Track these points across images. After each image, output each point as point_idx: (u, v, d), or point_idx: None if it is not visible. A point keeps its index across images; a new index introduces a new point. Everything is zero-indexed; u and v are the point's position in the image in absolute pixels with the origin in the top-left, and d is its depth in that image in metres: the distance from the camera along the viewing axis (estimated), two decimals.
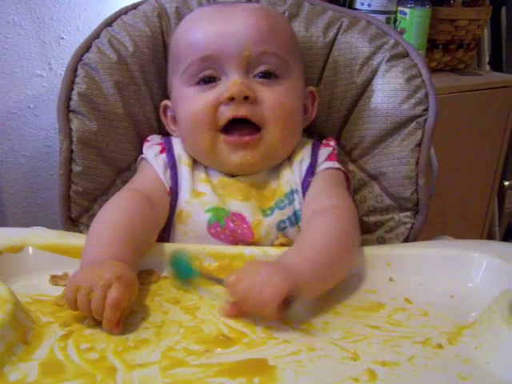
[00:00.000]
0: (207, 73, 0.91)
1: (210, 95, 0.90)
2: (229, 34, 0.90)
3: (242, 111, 0.88)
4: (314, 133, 1.06)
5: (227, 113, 0.89)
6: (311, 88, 1.01)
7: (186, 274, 0.79)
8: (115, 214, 0.84)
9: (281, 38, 0.93)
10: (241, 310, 0.71)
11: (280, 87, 0.91)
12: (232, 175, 0.94)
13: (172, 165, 0.94)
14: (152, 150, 0.97)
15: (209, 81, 0.91)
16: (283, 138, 0.92)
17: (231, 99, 0.88)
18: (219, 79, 0.91)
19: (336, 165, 0.95)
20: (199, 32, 0.92)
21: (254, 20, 0.91)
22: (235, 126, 0.90)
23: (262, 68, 0.91)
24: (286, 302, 0.69)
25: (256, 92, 0.89)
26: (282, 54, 0.92)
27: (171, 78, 0.98)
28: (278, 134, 0.90)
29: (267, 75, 0.91)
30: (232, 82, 0.89)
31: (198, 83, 0.92)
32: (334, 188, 0.92)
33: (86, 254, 0.77)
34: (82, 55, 0.97)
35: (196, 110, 0.91)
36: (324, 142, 1.00)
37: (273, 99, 0.90)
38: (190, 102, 0.92)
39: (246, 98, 0.88)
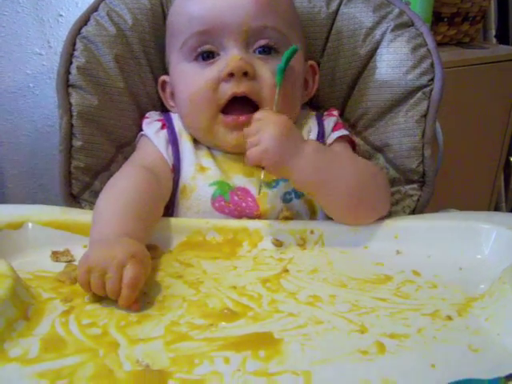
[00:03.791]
0: (206, 48, 0.89)
1: (209, 72, 0.88)
2: (227, 8, 0.87)
3: (242, 88, 0.86)
4: (319, 106, 1.04)
5: (228, 90, 0.87)
6: (311, 62, 0.99)
7: None
8: (122, 188, 0.83)
9: (281, 11, 0.91)
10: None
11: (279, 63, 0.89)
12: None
13: (173, 141, 0.93)
14: (152, 126, 0.95)
15: (207, 56, 0.89)
16: None
17: (231, 75, 0.86)
18: (218, 54, 0.89)
19: (345, 132, 0.95)
20: (197, 5, 0.90)
21: None
22: (235, 105, 0.88)
23: (262, 42, 0.89)
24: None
25: (255, 67, 0.87)
26: (282, 28, 0.90)
27: (169, 53, 0.96)
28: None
29: (267, 50, 0.89)
30: (231, 57, 0.87)
31: (197, 59, 0.90)
32: (352, 154, 0.94)
33: (95, 230, 0.76)
34: (81, 28, 0.94)
35: (196, 89, 0.89)
36: (326, 112, 0.99)
37: (271, 76, 0.88)
38: (190, 79, 0.90)
39: (246, 73, 0.86)
